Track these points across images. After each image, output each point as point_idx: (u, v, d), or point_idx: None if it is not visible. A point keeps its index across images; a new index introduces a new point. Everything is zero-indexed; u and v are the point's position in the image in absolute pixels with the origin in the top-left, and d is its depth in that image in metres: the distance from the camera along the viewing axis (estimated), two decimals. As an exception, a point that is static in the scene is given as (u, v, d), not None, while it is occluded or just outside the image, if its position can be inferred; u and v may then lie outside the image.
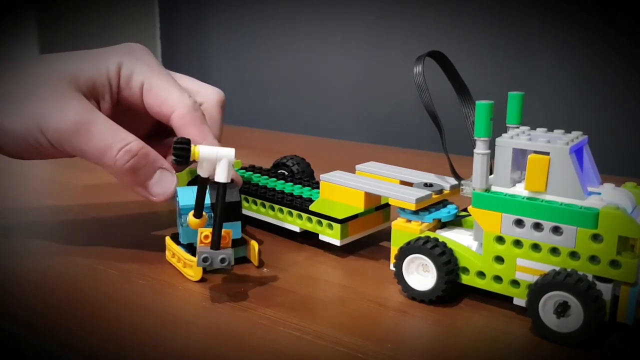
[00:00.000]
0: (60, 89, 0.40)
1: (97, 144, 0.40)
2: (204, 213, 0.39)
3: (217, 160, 0.37)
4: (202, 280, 0.40)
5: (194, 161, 0.37)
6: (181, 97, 0.43)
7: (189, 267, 0.40)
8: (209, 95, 0.47)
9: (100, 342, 0.33)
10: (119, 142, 0.40)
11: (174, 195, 0.42)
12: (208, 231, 0.38)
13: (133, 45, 0.45)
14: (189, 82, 0.47)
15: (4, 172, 0.66)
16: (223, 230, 0.38)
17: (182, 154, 0.36)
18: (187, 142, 0.36)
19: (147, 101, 0.43)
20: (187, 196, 0.41)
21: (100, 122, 0.40)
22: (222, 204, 0.37)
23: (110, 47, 0.45)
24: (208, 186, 0.41)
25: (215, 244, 0.37)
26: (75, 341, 0.33)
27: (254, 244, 0.42)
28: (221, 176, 0.37)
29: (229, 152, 0.37)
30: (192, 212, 0.39)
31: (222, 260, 0.37)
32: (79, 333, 0.34)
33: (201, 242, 0.38)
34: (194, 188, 0.42)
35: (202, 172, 0.37)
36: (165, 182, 0.41)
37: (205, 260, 0.37)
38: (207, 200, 0.40)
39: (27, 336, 0.34)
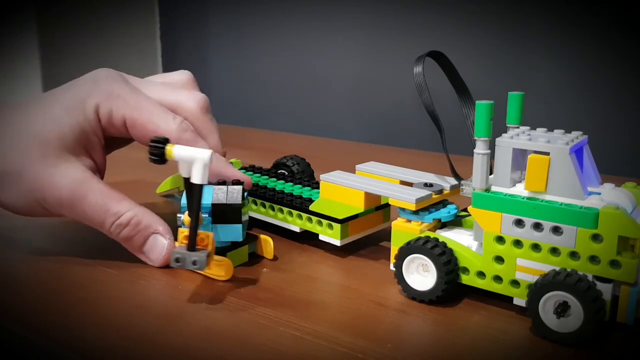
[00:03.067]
0: (54, 158, 0.41)
1: (91, 217, 0.41)
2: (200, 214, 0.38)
3: (192, 160, 0.36)
4: (202, 281, 0.40)
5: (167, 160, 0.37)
6: (167, 124, 0.42)
7: (219, 266, 0.40)
8: (189, 105, 0.45)
9: (100, 342, 0.33)
10: (111, 217, 0.41)
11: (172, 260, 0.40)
12: (187, 232, 0.37)
13: (99, 75, 0.43)
14: (167, 94, 0.45)
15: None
16: (203, 232, 0.38)
17: (156, 152, 0.36)
18: (162, 141, 0.36)
19: (135, 135, 0.43)
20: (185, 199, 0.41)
21: (93, 193, 0.41)
22: (197, 206, 0.37)
23: (77, 85, 0.43)
24: (212, 187, 0.41)
25: (191, 245, 0.37)
26: (75, 341, 0.33)
27: (267, 238, 0.43)
28: (195, 177, 0.36)
29: (204, 153, 0.36)
30: (187, 212, 0.38)
31: (194, 263, 0.36)
32: (79, 333, 0.34)
33: (180, 242, 0.38)
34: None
35: (183, 173, 0.37)
36: (157, 248, 0.41)
37: (177, 260, 0.37)
38: (208, 201, 0.40)
39: (27, 336, 0.34)
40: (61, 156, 0.41)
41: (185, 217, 0.39)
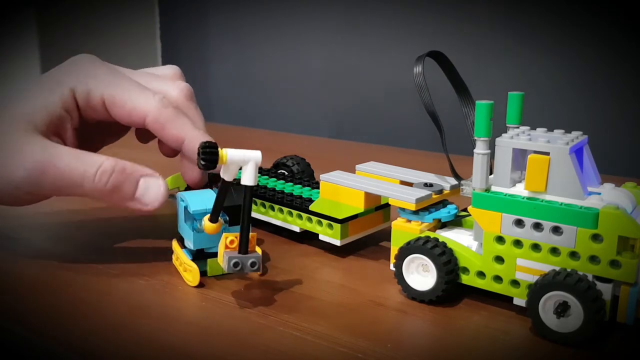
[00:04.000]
0: (17, 137, 0.39)
1: (69, 177, 0.39)
2: (219, 218, 0.38)
3: (245, 163, 0.36)
4: (202, 281, 0.40)
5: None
6: (147, 101, 0.41)
7: (189, 271, 0.40)
8: (174, 94, 0.44)
9: (100, 342, 0.33)
10: (91, 167, 0.39)
11: (168, 198, 0.41)
12: (233, 236, 0.37)
13: (78, 59, 0.43)
14: (150, 82, 0.44)
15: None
16: (253, 235, 0.37)
17: (210, 159, 0.35)
18: (214, 146, 0.35)
19: (115, 114, 0.42)
20: (196, 201, 0.40)
21: (64, 155, 0.39)
22: (249, 207, 0.37)
23: (56, 69, 0.42)
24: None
25: (244, 248, 0.37)
26: (75, 341, 0.33)
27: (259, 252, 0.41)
28: (249, 179, 0.36)
29: (256, 154, 0.36)
30: (208, 216, 0.38)
31: (252, 264, 0.36)
32: (79, 333, 0.34)
33: (227, 247, 0.37)
34: (200, 192, 0.42)
35: (227, 176, 0.36)
36: (153, 189, 0.40)
37: (236, 265, 0.36)
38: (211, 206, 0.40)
39: (27, 336, 0.34)
40: (29, 135, 0.39)
41: (206, 223, 0.38)
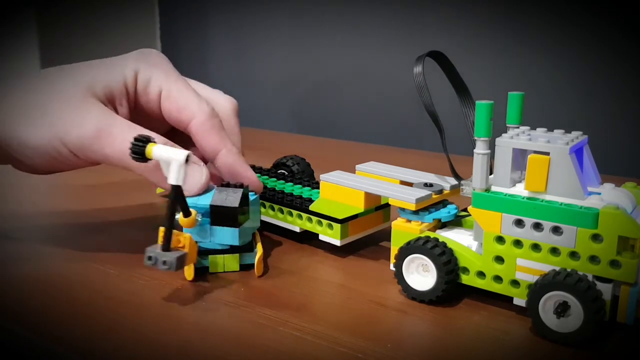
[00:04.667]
0: (78, 98, 0.40)
1: (119, 146, 0.39)
2: (192, 212, 0.39)
3: (169, 161, 0.36)
4: (202, 280, 0.40)
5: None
6: (200, 104, 0.43)
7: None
8: (224, 104, 0.47)
9: (100, 342, 0.33)
10: None
11: (207, 188, 0.41)
12: (180, 235, 0.37)
13: (148, 51, 0.45)
14: (203, 89, 0.47)
15: (5, 173, 0.66)
16: (183, 235, 0.37)
17: (136, 150, 0.36)
18: (144, 140, 0.36)
19: (165, 108, 0.43)
20: (189, 197, 0.41)
21: (120, 124, 0.40)
22: (171, 206, 0.37)
23: (126, 54, 0.45)
24: (215, 188, 0.41)
25: (165, 245, 0.37)
26: (75, 341, 0.33)
27: (259, 253, 0.41)
28: (171, 178, 0.36)
29: (179, 155, 0.36)
30: (181, 213, 0.39)
31: (164, 263, 0.36)
32: (79, 333, 0.34)
33: (160, 240, 0.37)
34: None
35: (164, 172, 0.37)
36: (195, 175, 0.40)
37: (149, 258, 0.37)
38: (206, 202, 0.40)
39: (27, 336, 0.34)
40: (89, 99, 0.41)
41: (180, 217, 0.39)
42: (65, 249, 0.46)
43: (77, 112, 0.40)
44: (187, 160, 0.36)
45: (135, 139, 0.37)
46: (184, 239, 0.38)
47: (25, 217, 0.54)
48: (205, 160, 0.44)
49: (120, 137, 0.40)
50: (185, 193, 0.39)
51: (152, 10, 1.18)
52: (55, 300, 0.38)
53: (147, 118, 0.45)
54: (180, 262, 0.37)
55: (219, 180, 0.44)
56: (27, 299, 0.38)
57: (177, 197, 0.37)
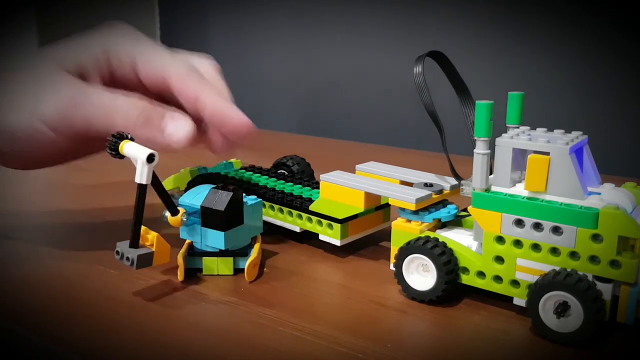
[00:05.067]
0: (50, 75, 0.40)
1: (101, 109, 0.39)
2: (181, 210, 0.39)
3: (135, 159, 0.36)
4: (202, 281, 0.40)
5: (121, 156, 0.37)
6: (176, 62, 0.42)
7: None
8: (205, 64, 0.46)
9: (100, 342, 0.33)
10: (123, 101, 0.39)
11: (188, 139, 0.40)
12: (144, 230, 0.38)
13: (117, 23, 0.44)
14: (183, 54, 0.46)
15: (5, 173, 0.66)
16: (152, 233, 0.38)
17: (111, 146, 0.36)
18: (119, 137, 0.36)
19: (143, 73, 0.42)
20: (188, 195, 0.41)
21: (97, 90, 0.40)
22: (138, 205, 0.37)
23: (96, 30, 0.44)
24: (210, 189, 0.41)
25: (132, 242, 0.37)
26: (75, 341, 0.33)
27: (251, 258, 0.41)
28: (136, 176, 0.36)
29: (143, 152, 0.36)
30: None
31: (127, 259, 0.37)
32: (79, 333, 0.34)
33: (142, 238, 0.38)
34: (198, 188, 0.42)
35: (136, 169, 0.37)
36: (181, 127, 0.40)
37: (117, 253, 0.37)
38: (196, 203, 0.40)
39: (27, 336, 0.34)
40: (61, 73, 0.40)
41: (168, 216, 0.39)
42: (65, 249, 0.46)
43: (51, 87, 0.40)
44: (151, 159, 0.36)
45: (112, 135, 0.37)
46: (152, 237, 0.38)
47: (25, 217, 0.54)
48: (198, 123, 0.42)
49: (100, 102, 0.39)
50: (174, 145, 0.40)
51: (152, 10, 1.18)
52: (55, 300, 0.38)
53: (123, 86, 0.44)
54: (143, 260, 0.37)
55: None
56: (27, 299, 0.38)
57: (141, 196, 0.37)
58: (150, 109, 0.40)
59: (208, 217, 0.40)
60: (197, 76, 0.42)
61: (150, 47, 0.43)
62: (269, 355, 0.32)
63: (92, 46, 0.42)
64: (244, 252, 0.41)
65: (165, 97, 0.43)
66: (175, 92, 0.42)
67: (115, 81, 0.43)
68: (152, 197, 0.37)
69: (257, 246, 0.42)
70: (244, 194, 0.42)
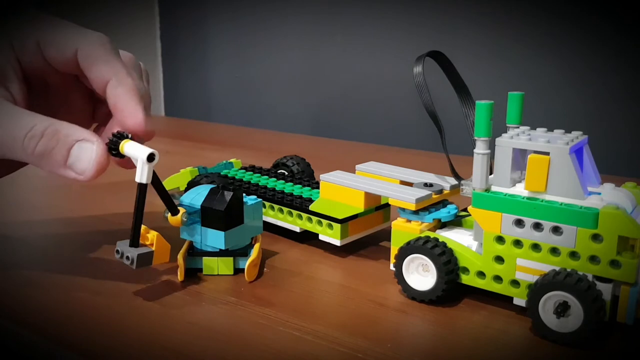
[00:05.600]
0: None
1: (1, 139, 0.35)
2: (181, 210, 0.39)
3: (135, 159, 0.36)
4: (202, 281, 0.40)
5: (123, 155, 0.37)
6: (83, 36, 0.37)
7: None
8: (130, 58, 0.41)
9: (100, 342, 0.33)
10: (21, 130, 0.35)
11: (104, 168, 0.37)
12: (144, 229, 0.38)
13: (20, 14, 0.39)
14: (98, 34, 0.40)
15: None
16: (152, 232, 0.38)
17: (111, 146, 0.36)
18: (120, 136, 0.36)
19: (48, 55, 0.38)
20: (188, 195, 0.41)
21: (2, 112, 0.36)
22: (139, 204, 0.37)
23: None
24: (210, 188, 0.41)
25: (132, 241, 0.37)
26: (75, 341, 0.33)
27: (251, 258, 0.41)
28: (137, 176, 0.36)
29: (142, 154, 0.35)
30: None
31: (127, 258, 0.37)
32: (79, 333, 0.34)
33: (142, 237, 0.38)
34: (198, 188, 0.42)
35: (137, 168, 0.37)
36: (86, 155, 0.36)
37: (117, 252, 0.37)
38: (197, 202, 0.40)
39: (28, 336, 0.34)
40: None
41: (169, 216, 0.39)
42: (65, 249, 0.46)
43: None
44: (151, 158, 0.36)
45: (113, 135, 0.36)
46: (152, 236, 0.38)
47: (25, 217, 0.54)
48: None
49: (2, 129, 0.35)
50: (80, 177, 0.36)
51: (152, 10, 1.18)
52: (55, 300, 0.38)
53: (56, 96, 0.41)
54: (143, 259, 0.37)
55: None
56: (27, 299, 0.38)
57: (141, 195, 0.37)
58: (51, 140, 0.35)
59: (208, 217, 0.40)
60: (108, 54, 0.37)
61: (54, 24, 0.38)
62: (269, 355, 0.32)
63: (2, 47, 0.38)
64: (244, 252, 0.41)
65: (78, 79, 0.40)
66: (84, 73, 0.38)
67: (28, 74, 0.39)
68: (151, 196, 0.38)
69: (257, 246, 0.42)
70: (244, 194, 0.42)
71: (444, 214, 0.41)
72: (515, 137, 0.36)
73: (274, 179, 0.52)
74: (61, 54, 0.38)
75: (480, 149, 0.36)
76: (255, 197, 0.43)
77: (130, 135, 0.37)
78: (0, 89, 0.37)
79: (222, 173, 0.54)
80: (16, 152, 0.35)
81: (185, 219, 0.39)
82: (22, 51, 0.38)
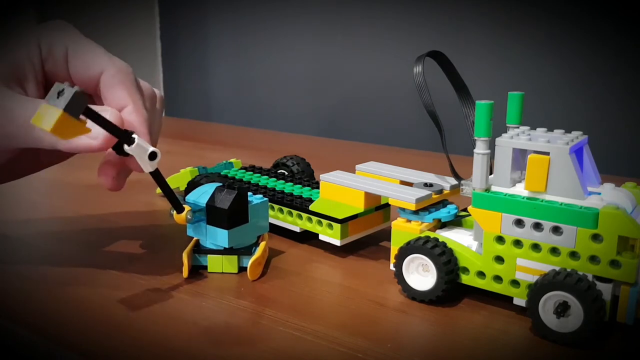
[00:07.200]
0: None
1: (22, 122, 0.36)
2: (186, 208, 0.39)
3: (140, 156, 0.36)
4: (202, 280, 0.40)
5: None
6: (111, 59, 0.39)
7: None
8: (147, 88, 0.42)
9: (100, 342, 0.33)
10: (33, 111, 0.34)
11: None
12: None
13: (51, 21, 0.41)
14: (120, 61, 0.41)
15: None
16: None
17: (123, 134, 0.36)
18: (130, 132, 0.36)
19: (73, 66, 0.39)
20: (195, 193, 0.41)
21: (17, 101, 0.37)
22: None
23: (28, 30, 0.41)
24: (215, 190, 0.41)
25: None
26: (75, 341, 0.33)
27: (254, 257, 0.41)
28: (144, 169, 0.37)
29: (145, 152, 0.36)
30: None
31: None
32: (79, 333, 0.34)
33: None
34: (205, 186, 0.42)
35: (142, 164, 0.37)
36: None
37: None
38: (202, 201, 0.40)
39: (28, 336, 0.34)
40: None
41: (174, 213, 0.39)
42: (66, 249, 0.46)
43: None
44: (152, 157, 0.36)
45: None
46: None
47: (25, 216, 0.54)
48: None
49: (19, 113, 0.36)
50: (92, 142, 0.36)
51: (152, 10, 1.18)
52: (55, 300, 0.38)
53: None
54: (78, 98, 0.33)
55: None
56: (27, 299, 0.38)
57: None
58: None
59: (212, 215, 0.40)
60: (129, 81, 0.39)
61: (83, 40, 0.40)
62: (269, 355, 0.32)
63: (25, 47, 0.39)
64: (249, 250, 0.42)
65: (89, 97, 0.41)
66: (102, 93, 0.39)
67: (47, 76, 0.40)
68: (153, 197, 0.37)
69: (262, 245, 0.42)
70: (249, 193, 0.42)
71: (444, 214, 0.41)
72: (515, 137, 0.36)
73: (274, 179, 0.52)
74: (86, 70, 0.39)
75: (480, 149, 0.36)
76: (261, 196, 0.43)
77: (132, 134, 0.36)
78: (17, 88, 0.39)
79: (222, 173, 0.54)
80: (36, 135, 0.36)
81: (190, 217, 0.40)
82: (48, 55, 0.40)
